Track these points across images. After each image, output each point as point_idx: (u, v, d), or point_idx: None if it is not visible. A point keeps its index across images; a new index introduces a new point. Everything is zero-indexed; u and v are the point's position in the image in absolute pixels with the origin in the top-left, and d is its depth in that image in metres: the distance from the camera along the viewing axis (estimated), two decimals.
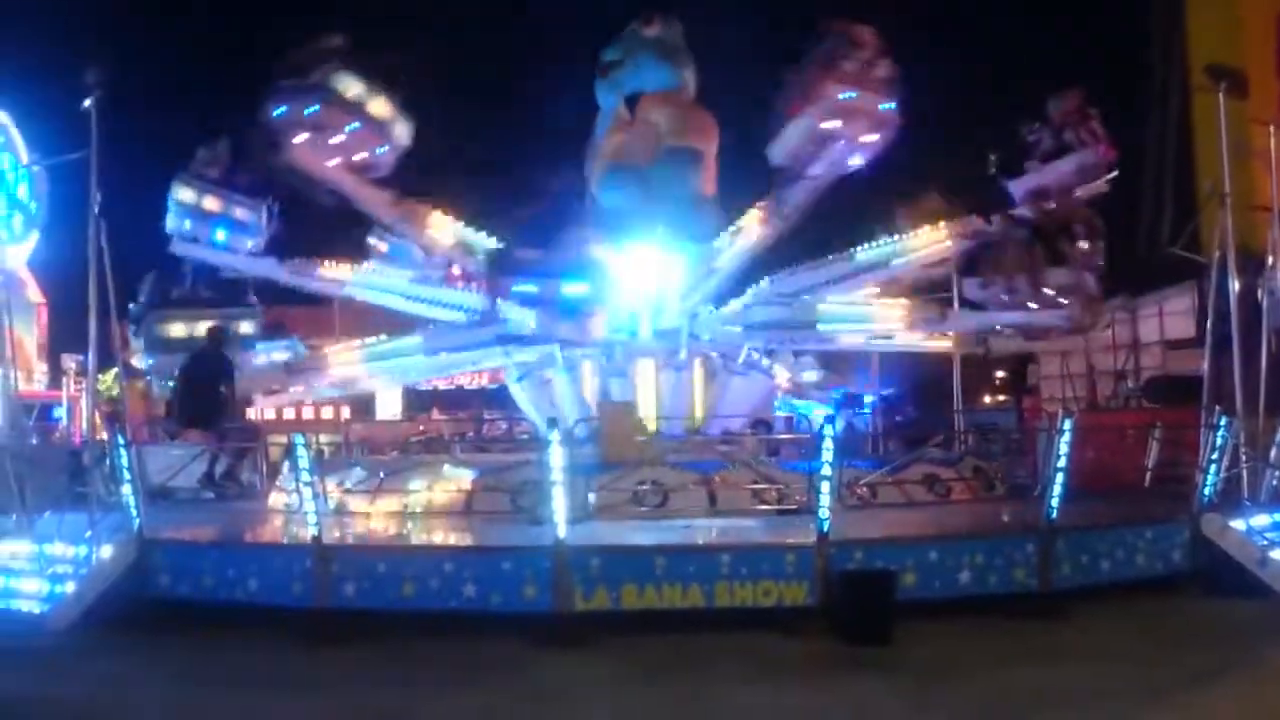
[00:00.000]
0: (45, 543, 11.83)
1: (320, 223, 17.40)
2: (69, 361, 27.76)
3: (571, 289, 15.67)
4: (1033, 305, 16.51)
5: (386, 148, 16.40)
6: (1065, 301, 16.28)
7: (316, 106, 15.69)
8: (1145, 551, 11.65)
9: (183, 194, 16.56)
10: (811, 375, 20.20)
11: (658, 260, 16.88)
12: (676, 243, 16.80)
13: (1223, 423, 12.21)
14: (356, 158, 16.24)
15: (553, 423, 11.03)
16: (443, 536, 12.12)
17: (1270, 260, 13.99)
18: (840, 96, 15.88)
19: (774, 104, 16.70)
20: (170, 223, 16.61)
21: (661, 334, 16.89)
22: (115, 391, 17.63)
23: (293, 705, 8.60)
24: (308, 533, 10.77)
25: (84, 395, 19.09)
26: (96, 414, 14.86)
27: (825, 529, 10.51)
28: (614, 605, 10.18)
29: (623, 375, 16.36)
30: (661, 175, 16.30)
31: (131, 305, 16.78)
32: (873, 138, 16.39)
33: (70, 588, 11.04)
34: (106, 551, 11.16)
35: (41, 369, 31.49)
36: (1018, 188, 17.17)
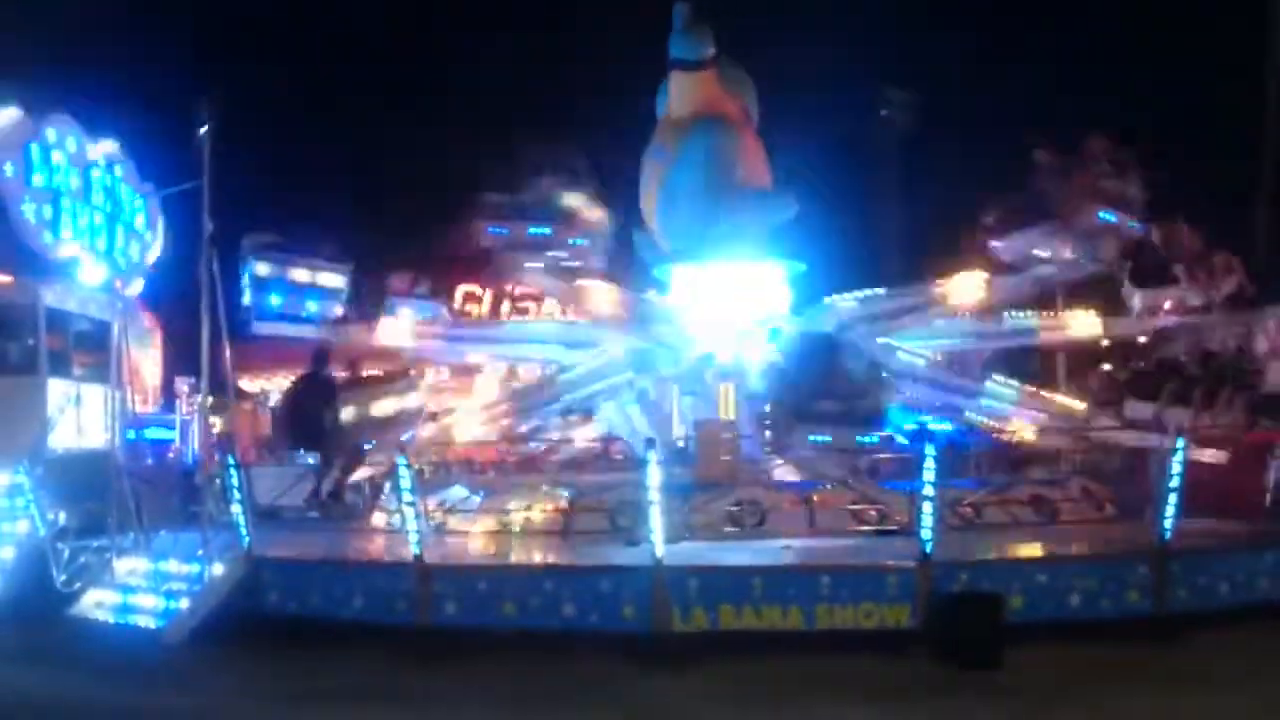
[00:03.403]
0: (161, 560, 12.26)
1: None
2: (182, 384, 28.65)
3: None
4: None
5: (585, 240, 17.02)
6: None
7: (548, 229, 16.48)
8: (1267, 575, 11.19)
9: (262, 269, 16.14)
10: None
11: (738, 274, 16.56)
12: (753, 247, 16.56)
13: None
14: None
15: (650, 442, 11.02)
16: (542, 556, 12.22)
17: None
18: (1099, 216, 16.13)
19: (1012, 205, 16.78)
20: (249, 298, 16.06)
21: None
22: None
23: None
24: (410, 552, 10.95)
25: (196, 417, 19.56)
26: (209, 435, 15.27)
27: (928, 550, 10.32)
28: (712, 626, 10.12)
29: (702, 395, 16.17)
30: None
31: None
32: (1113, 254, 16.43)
33: (184, 604, 11.39)
34: (218, 569, 11.51)
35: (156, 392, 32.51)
36: None
